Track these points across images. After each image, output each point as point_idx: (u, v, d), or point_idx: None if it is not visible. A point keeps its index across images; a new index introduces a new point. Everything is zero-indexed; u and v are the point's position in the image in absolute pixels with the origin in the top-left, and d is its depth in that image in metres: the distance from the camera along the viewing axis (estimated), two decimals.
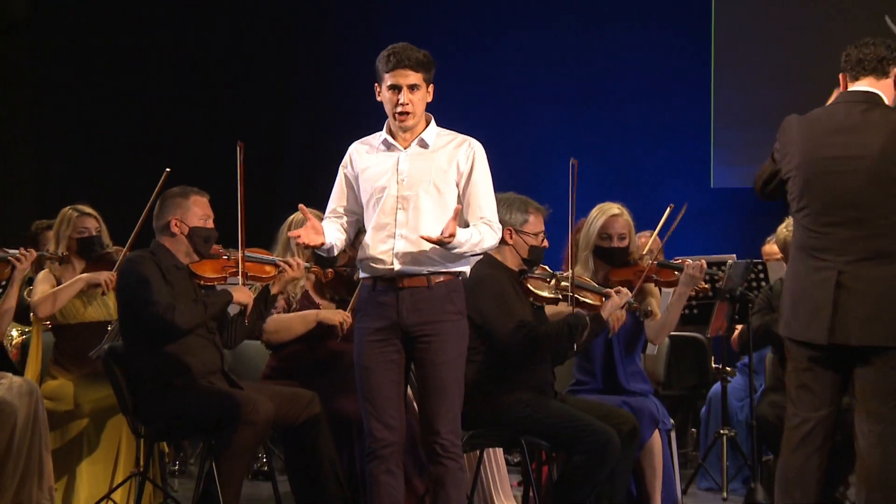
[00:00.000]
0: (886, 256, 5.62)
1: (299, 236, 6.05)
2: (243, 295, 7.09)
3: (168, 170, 7.36)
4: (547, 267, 7.08)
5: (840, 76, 5.82)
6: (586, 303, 7.03)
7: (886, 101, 5.76)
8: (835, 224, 5.66)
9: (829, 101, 5.85)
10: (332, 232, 6.18)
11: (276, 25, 12.92)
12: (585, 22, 12.39)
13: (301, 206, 6.26)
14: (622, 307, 6.99)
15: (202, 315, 6.99)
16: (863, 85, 5.78)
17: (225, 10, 12.92)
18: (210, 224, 7.24)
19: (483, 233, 6.03)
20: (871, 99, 5.75)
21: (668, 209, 7.71)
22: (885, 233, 5.61)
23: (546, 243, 7.07)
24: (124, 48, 12.88)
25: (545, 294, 6.89)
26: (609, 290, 7.02)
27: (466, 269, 6.17)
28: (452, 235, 5.82)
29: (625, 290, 7.02)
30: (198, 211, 7.20)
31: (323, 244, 6.13)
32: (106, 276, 7.85)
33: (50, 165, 12.94)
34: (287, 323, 7.52)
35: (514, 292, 6.83)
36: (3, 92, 13.50)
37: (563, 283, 6.98)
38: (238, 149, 7.15)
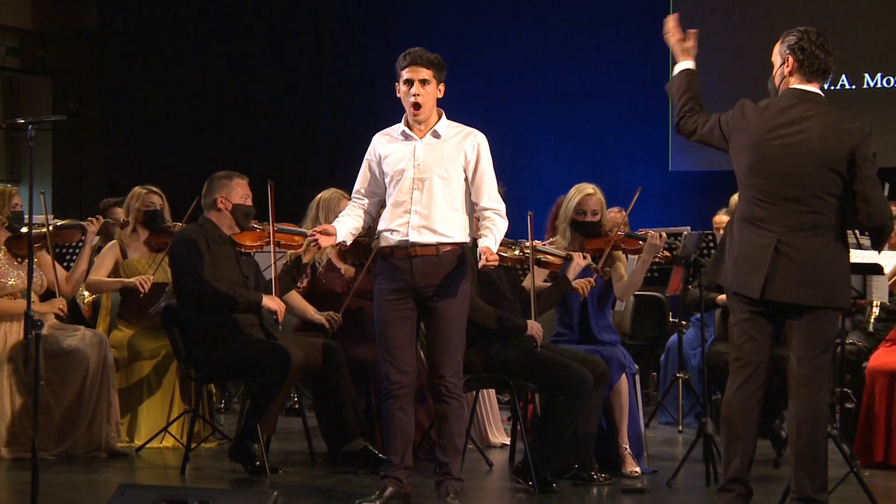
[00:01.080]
0: (819, 228, 5.60)
1: (316, 240, 6.09)
2: (273, 302, 7.03)
3: (272, 183, 7.29)
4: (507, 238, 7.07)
5: (790, 57, 5.73)
6: (547, 262, 7.05)
7: (823, 97, 5.75)
8: (778, 199, 5.62)
9: (779, 91, 5.81)
10: (345, 226, 6.20)
11: (306, 33, 12.87)
12: (563, 29, 12.35)
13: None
14: (585, 268, 6.99)
15: (228, 301, 6.97)
16: (811, 87, 5.74)
17: (264, 18, 12.85)
18: (249, 202, 7.25)
19: (497, 225, 6.10)
20: (816, 98, 5.73)
21: (638, 191, 7.70)
22: (820, 210, 5.59)
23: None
24: (178, 52, 12.86)
25: (508, 255, 6.87)
26: (571, 253, 7.03)
27: (468, 238, 6.16)
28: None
29: (585, 254, 7.03)
30: (240, 191, 7.20)
31: (334, 244, 6.24)
32: (141, 280, 7.87)
33: (115, 153, 12.91)
34: (300, 307, 7.52)
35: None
36: (76, 90, 13.46)
37: (525, 249, 6.97)
38: (269, 188, 7.16)
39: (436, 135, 6.11)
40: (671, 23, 6.10)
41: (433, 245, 6.03)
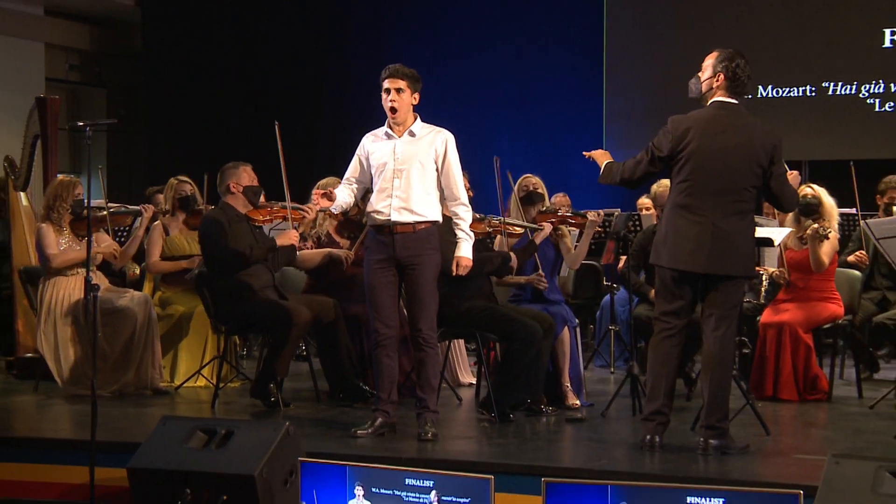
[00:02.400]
0: (743, 214, 5.68)
1: (317, 201, 6.24)
2: (286, 238, 7.04)
3: (278, 124, 7.29)
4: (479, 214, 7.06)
5: (721, 74, 5.73)
6: (513, 232, 7.05)
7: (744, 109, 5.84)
8: (713, 192, 5.66)
9: (706, 98, 5.83)
10: (342, 196, 6.27)
11: (311, 54, 12.82)
12: (518, 48, 12.33)
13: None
14: (549, 235, 7.08)
15: (248, 256, 6.93)
16: (735, 99, 5.78)
17: (276, 41, 12.81)
18: (256, 183, 7.26)
19: (466, 229, 6.19)
20: (738, 109, 5.79)
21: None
22: (746, 199, 5.68)
23: (470, 193, 7.10)
24: (207, 69, 12.83)
25: (479, 230, 6.88)
26: (535, 225, 7.04)
27: (439, 218, 6.15)
28: (463, 263, 6.14)
29: (548, 224, 7.06)
30: (246, 175, 7.21)
31: (332, 205, 6.24)
32: (191, 262, 7.89)
33: (156, 150, 12.86)
34: (309, 256, 7.50)
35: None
36: (125, 100, 13.40)
37: (493, 222, 6.99)
38: (276, 127, 7.16)
39: (412, 134, 6.11)
40: (592, 153, 6.29)
41: (411, 223, 6.04)
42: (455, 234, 6.21)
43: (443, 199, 6.21)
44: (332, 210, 6.42)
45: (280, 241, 7.05)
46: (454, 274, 6.14)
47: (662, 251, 5.77)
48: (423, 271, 6.06)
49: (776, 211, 8.07)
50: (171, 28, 12.98)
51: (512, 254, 6.93)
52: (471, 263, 6.17)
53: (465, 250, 6.16)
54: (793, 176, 6.08)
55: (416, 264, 6.05)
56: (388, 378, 6.12)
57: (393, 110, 6.06)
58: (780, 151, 5.73)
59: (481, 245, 7.15)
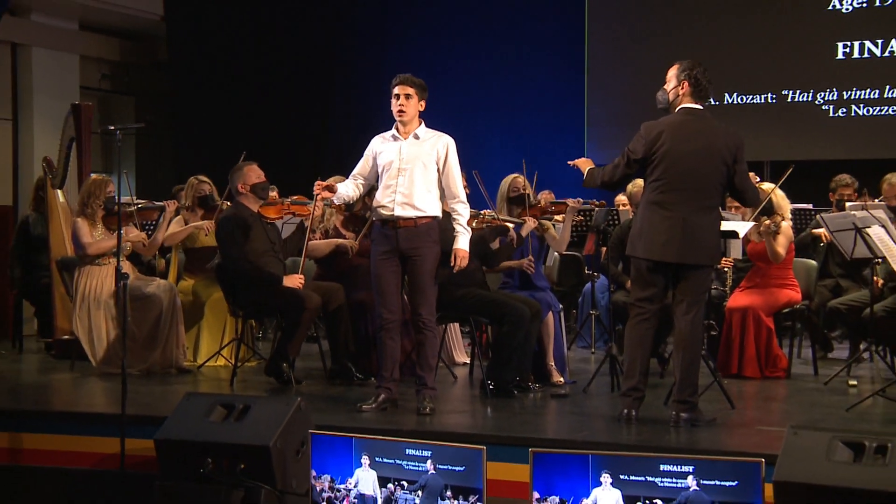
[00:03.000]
0: (711, 209, 5.69)
1: (318, 190, 6.24)
2: (291, 282, 6.93)
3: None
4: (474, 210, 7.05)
5: (685, 82, 5.76)
6: (502, 226, 6.99)
7: (709, 114, 5.84)
8: (683, 189, 5.65)
9: (673, 106, 5.83)
10: (345, 189, 6.28)
11: (321, 66, 12.78)
12: (508, 60, 12.26)
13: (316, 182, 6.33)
14: (535, 227, 7.04)
15: (254, 272, 6.93)
16: (700, 104, 5.79)
17: (289, 52, 12.79)
18: (263, 179, 7.21)
19: (464, 223, 6.17)
20: (703, 114, 5.79)
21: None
22: (712, 195, 5.69)
23: (467, 190, 7.10)
24: (227, 77, 12.79)
25: (475, 224, 6.87)
26: (520, 220, 7.02)
27: (439, 214, 6.14)
28: (461, 254, 6.12)
29: (531, 219, 7.03)
30: (252, 174, 7.18)
31: (332, 196, 6.30)
32: (206, 224, 7.86)
33: (180, 152, 12.83)
34: (318, 246, 7.47)
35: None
36: (153, 107, 13.37)
37: (486, 217, 6.99)
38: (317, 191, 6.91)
39: (416, 137, 6.11)
40: (576, 161, 6.18)
41: (413, 218, 6.03)
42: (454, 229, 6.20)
43: (443, 197, 6.20)
44: (335, 201, 6.44)
45: (286, 283, 6.94)
46: (452, 265, 6.12)
47: (637, 243, 5.77)
48: (424, 262, 6.05)
49: (739, 206, 8.07)
50: (193, 41, 12.95)
51: (510, 226, 6.92)
52: (468, 255, 6.16)
53: (462, 243, 6.15)
54: (750, 176, 6.07)
55: (418, 255, 6.04)
56: (391, 358, 6.12)
57: (401, 113, 6.06)
58: (742, 151, 5.73)
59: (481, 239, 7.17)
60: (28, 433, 5.97)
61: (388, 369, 6.11)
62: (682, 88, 5.77)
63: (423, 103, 6.13)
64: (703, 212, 5.65)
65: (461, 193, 6.18)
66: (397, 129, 6.13)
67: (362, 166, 6.26)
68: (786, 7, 11.35)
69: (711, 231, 5.70)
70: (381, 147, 6.17)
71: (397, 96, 6.07)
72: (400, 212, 6.02)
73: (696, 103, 5.77)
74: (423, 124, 6.16)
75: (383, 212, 6.06)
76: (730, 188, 5.79)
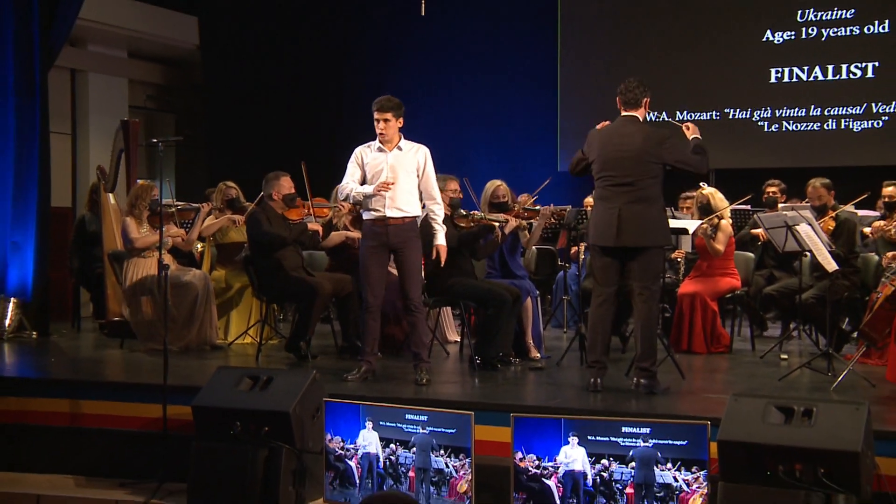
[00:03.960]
0: (644, 201, 5.62)
1: (342, 206, 6.50)
2: (313, 224, 7.07)
3: (304, 162, 7.35)
4: (464, 210, 7.00)
5: (617, 99, 5.81)
6: (489, 224, 6.93)
7: (640, 119, 5.78)
8: (618, 185, 5.64)
9: (621, 117, 5.83)
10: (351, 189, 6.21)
11: (330, 77, 12.75)
12: (489, 80, 12.20)
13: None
14: (516, 226, 6.99)
15: (282, 242, 6.91)
16: (630, 112, 5.77)
17: (305, 72, 12.75)
18: (292, 190, 7.20)
19: (440, 222, 6.16)
20: (634, 120, 5.76)
21: (548, 180, 7.89)
22: (646, 188, 5.63)
23: (460, 195, 7.10)
24: (252, 97, 12.75)
25: (462, 224, 6.84)
26: (504, 220, 6.99)
27: (420, 213, 6.14)
28: (442, 249, 6.14)
29: (513, 219, 6.98)
30: (285, 185, 7.16)
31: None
32: (238, 218, 7.83)
33: (214, 161, 12.78)
34: (331, 237, 7.48)
35: (449, 223, 6.71)
36: (190, 122, 13.33)
37: (476, 217, 6.93)
38: (303, 166, 7.21)
39: (399, 149, 6.10)
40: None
41: (400, 218, 6.02)
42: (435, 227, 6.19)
43: (422, 199, 6.19)
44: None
45: (310, 226, 7.07)
46: (434, 258, 6.11)
47: (590, 232, 5.83)
48: (410, 253, 6.05)
49: (689, 207, 8.07)
50: (225, 66, 12.92)
51: (496, 224, 6.88)
52: (446, 249, 6.14)
53: (440, 239, 6.15)
54: (692, 129, 5.88)
55: (405, 248, 6.04)
56: (372, 336, 6.10)
57: (382, 135, 6.06)
58: (667, 142, 5.63)
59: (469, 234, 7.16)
60: (85, 400, 5.97)
61: (370, 345, 6.10)
62: (618, 103, 5.83)
63: (401, 120, 6.11)
64: (638, 202, 5.61)
65: (437, 195, 6.18)
66: (382, 143, 6.11)
67: (352, 172, 6.17)
68: (728, 39, 11.36)
69: (646, 219, 5.61)
70: (368, 157, 6.13)
71: (378, 121, 6.06)
72: (390, 213, 6.02)
73: (629, 111, 5.78)
74: (402, 138, 6.15)
75: (375, 213, 6.05)
76: (674, 169, 5.69)
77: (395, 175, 6.01)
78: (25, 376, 6.53)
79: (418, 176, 6.10)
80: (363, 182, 6.12)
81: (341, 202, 7.03)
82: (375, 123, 6.07)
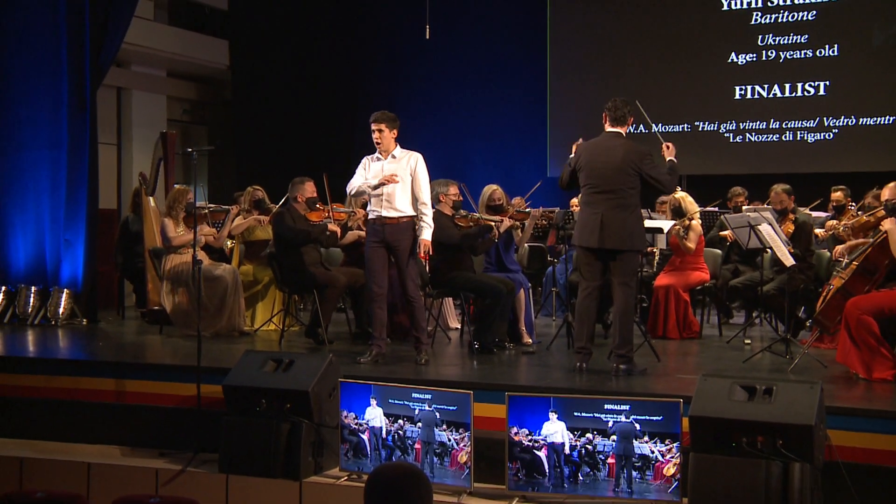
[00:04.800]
0: (624, 208, 5.59)
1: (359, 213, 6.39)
2: (333, 226, 7.01)
3: (325, 174, 7.31)
4: (464, 211, 6.96)
5: (604, 114, 5.77)
6: (485, 224, 6.88)
7: (624, 135, 5.74)
8: (601, 192, 5.61)
9: (604, 133, 5.79)
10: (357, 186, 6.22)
11: (344, 91, 12.72)
12: (482, 94, 12.18)
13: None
14: (510, 226, 6.95)
15: (307, 237, 6.87)
16: (615, 128, 5.73)
17: (321, 88, 12.73)
18: (315, 194, 7.15)
19: (428, 221, 6.10)
20: (619, 135, 5.72)
21: (539, 183, 7.81)
22: (626, 196, 5.60)
23: (460, 198, 7.03)
24: (278, 110, 12.72)
25: (462, 223, 6.81)
26: (499, 220, 6.97)
27: (414, 213, 6.09)
28: (425, 244, 6.02)
29: (508, 219, 6.93)
30: (308, 189, 7.12)
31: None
32: (263, 218, 7.80)
33: (242, 167, 12.75)
34: (346, 236, 7.42)
35: (451, 223, 6.71)
36: (220, 134, 13.29)
37: (474, 217, 6.88)
38: (324, 177, 7.15)
39: (394, 157, 6.09)
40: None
41: (396, 218, 6.02)
42: (425, 225, 6.14)
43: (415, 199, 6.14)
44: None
45: (330, 227, 7.04)
46: (419, 252, 6.07)
47: (575, 234, 5.78)
48: (405, 250, 6.05)
49: (664, 209, 8.04)
50: (251, 84, 12.88)
51: (495, 225, 6.84)
52: (429, 243, 6.07)
53: (426, 235, 6.08)
54: (671, 150, 5.84)
55: (399, 245, 6.03)
56: (380, 322, 6.08)
57: (378, 144, 6.07)
58: (646, 158, 5.61)
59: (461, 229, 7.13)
60: (128, 379, 5.96)
61: (379, 331, 6.08)
62: (605, 119, 5.78)
63: (395, 131, 6.09)
64: (619, 209, 5.58)
65: (426, 198, 6.14)
66: (379, 153, 6.13)
67: (358, 180, 6.20)
68: (697, 61, 11.37)
69: (626, 224, 5.58)
70: (369, 165, 6.17)
71: (373, 131, 6.07)
72: (386, 213, 6.01)
73: (615, 127, 5.74)
74: (398, 146, 6.13)
75: (374, 214, 6.07)
76: (648, 186, 5.67)
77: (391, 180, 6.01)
78: (77, 358, 6.52)
79: (413, 179, 6.06)
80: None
81: (357, 209, 7.01)
82: (372, 135, 6.08)
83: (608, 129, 5.77)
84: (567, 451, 4.38)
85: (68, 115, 8.25)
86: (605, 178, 5.61)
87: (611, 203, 5.59)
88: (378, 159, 6.12)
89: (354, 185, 6.18)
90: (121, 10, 8.37)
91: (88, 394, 5.98)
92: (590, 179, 5.67)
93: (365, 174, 6.16)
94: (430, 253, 6.17)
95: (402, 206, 6.03)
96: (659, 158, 5.77)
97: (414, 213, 6.08)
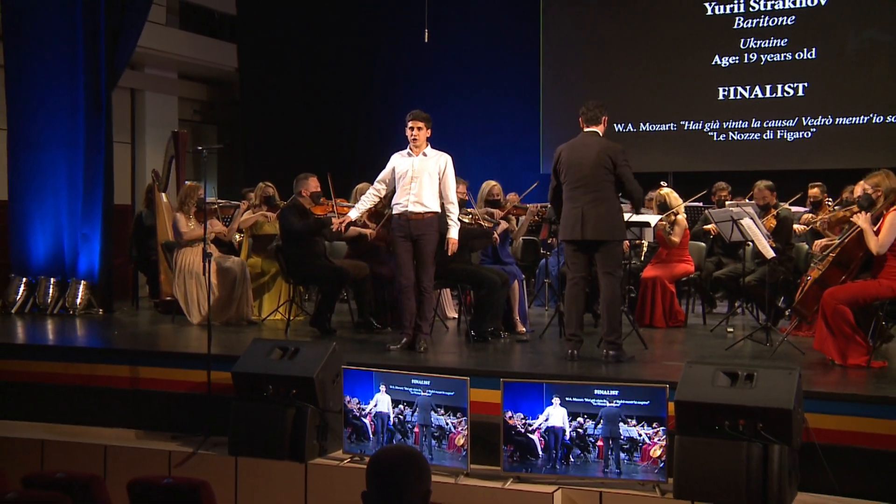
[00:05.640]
0: (603, 201, 5.57)
1: (340, 219, 6.27)
2: (336, 221, 6.98)
3: (329, 173, 7.28)
4: (468, 209, 6.96)
5: (580, 118, 5.77)
6: (484, 223, 6.90)
7: (600, 134, 5.74)
8: (580, 187, 5.62)
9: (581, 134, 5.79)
10: (358, 209, 6.26)
11: (349, 94, 12.69)
12: (482, 102, 12.16)
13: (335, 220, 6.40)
14: (507, 228, 6.95)
15: (314, 228, 6.85)
16: (591, 127, 5.73)
17: (326, 89, 12.69)
18: (318, 189, 7.13)
19: (455, 219, 6.09)
20: (595, 135, 5.72)
21: (535, 184, 7.85)
22: (603, 189, 5.58)
23: (466, 197, 7.02)
24: (284, 110, 12.70)
25: (465, 220, 6.80)
26: (497, 221, 6.96)
27: (439, 210, 6.07)
28: (453, 244, 6.04)
29: (505, 222, 6.93)
30: (312, 184, 7.09)
31: (347, 213, 6.27)
32: (270, 214, 7.77)
33: (250, 165, 12.72)
34: (349, 232, 7.38)
35: None
36: (229, 133, 13.28)
37: (474, 214, 6.87)
38: (328, 176, 7.12)
39: (425, 155, 6.05)
40: None
41: (421, 213, 5.97)
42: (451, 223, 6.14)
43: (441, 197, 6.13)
44: (350, 216, 6.29)
45: (334, 221, 6.99)
46: (446, 249, 6.06)
47: (561, 228, 5.78)
48: (428, 244, 6.00)
49: (651, 205, 8.04)
50: (258, 85, 12.87)
51: (491, 227, 6.85)
52: (457, 242, 6.09)
53: (453, 233, 6.07)
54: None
55: (422, 239, 5.99)
56: (409, 312, 6.05)
57: (415, 140, 6.02)
58: (620, 156, 5.58)
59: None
60: (142, 366, 5.95)
61: (408, 320, 6.06)
62: (581, 121, 5.80)
63: (429, 131, 6.08)
64: (598, 202, 5.57)
65: (453, 197, 6.09)
66: (411, 149, 6.07)
67: (385, 174, 6.19)
68: (682, 63, 11.33)
69: (605, 216, 5.57)
70: (398, 161, 6.12)
71: (412, 128, 6.01)
72: (412, 208, 5.97)
73: (590, 127, 5.74)
74: (429, 145, 6.10)
75: (400, 208, 6.01)
76: (621, 191, 5.66)
77: (419, 176, 5.98)
78: (93, 346, 6.52)
79: (440, 179, 6.05)
80: (391, 179, 6.14)
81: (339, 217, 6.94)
82: (409, 131, 6.02)
83: (584, 129, 5.79)
84: (565, 435, 4.38)
85: (85, 117, 8.25)
86: (582, 173, 5.62)
87: (589, 197, 5.60)
88: (409, 155, 6.09)
89: (356, 214, 6.24)
90: (134, 15, 8.38)
91: (105, 380, 5.98)
92: (569, 176, 5.68)
93: (391, 170, 6.14)
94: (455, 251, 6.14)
95: (428, 202, 6.01)
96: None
97: (438, 209, 6.05)
